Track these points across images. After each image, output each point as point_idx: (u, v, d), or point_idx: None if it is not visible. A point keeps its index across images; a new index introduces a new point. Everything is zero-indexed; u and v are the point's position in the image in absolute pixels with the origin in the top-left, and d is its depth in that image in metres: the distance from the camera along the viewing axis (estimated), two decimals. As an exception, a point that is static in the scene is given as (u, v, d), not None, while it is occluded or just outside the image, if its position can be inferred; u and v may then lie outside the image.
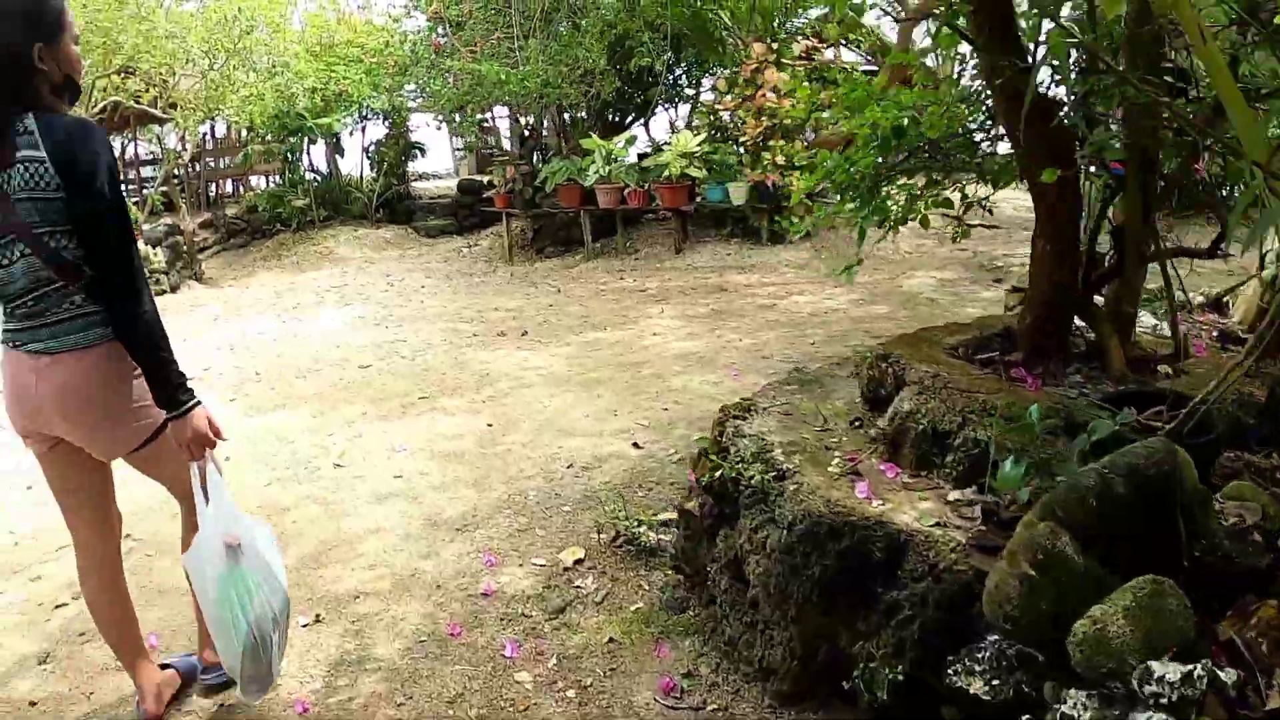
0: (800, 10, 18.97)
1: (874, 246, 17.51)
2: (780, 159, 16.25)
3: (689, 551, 4.99)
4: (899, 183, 5.29)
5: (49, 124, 3.39)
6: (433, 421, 8.28)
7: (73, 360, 3.56)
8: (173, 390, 3.57)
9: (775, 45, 17.84)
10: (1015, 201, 22.78)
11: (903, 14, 17.24)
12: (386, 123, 22.56)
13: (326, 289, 17.18)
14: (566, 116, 18.12)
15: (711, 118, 17.56)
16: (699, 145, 16.26)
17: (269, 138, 22.08)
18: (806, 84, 14.99)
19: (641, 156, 17.96)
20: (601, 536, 5.79)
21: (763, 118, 16.43)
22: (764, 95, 16.67)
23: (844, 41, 18.46)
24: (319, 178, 23.48)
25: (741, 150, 16.66)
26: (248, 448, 7.91)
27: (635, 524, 5.67)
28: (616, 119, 20.25)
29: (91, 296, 3.54)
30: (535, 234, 18.56)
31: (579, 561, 5.55)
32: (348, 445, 7.81)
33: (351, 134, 22.91)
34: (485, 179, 21.87)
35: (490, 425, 8.01)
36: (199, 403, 3.64)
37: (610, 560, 5.56)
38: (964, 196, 5.44)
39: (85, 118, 3.66)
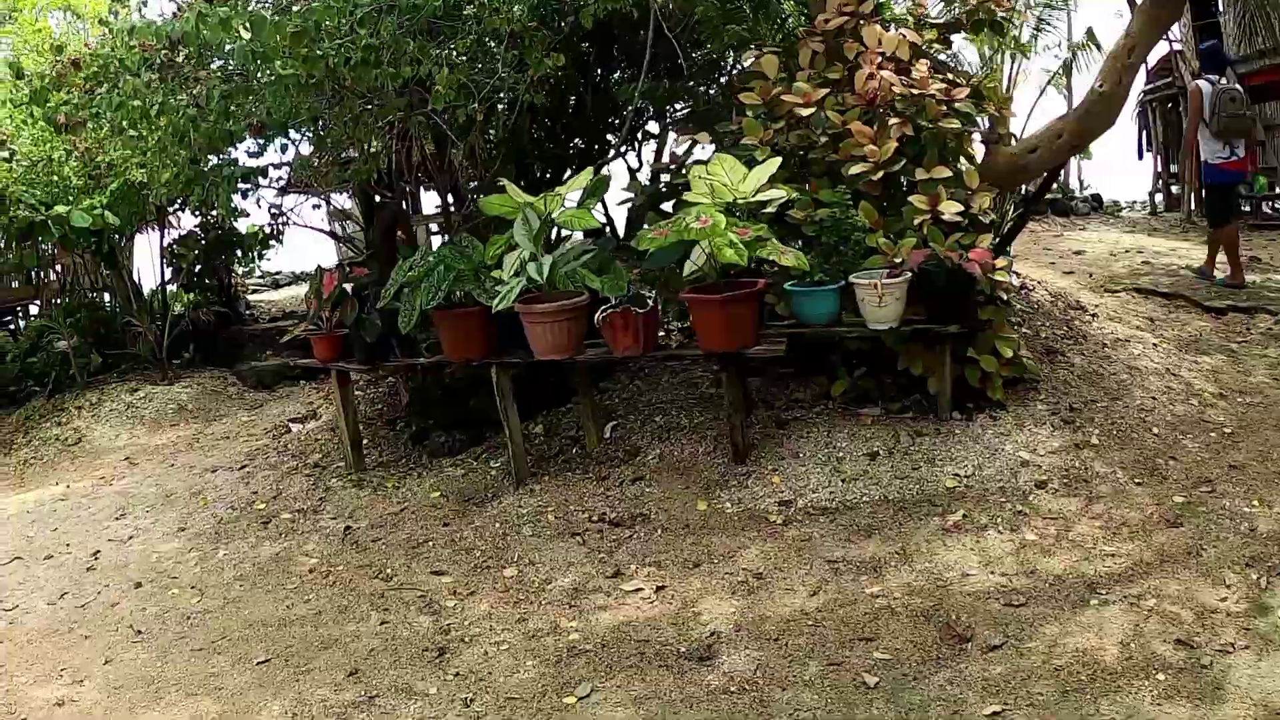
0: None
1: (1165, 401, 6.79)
2: (951, 211, 5.50)
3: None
4: None
5: None
6: None
7: None
8: None
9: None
10: None
11: None
12: (182, 206, 11.71)
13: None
14: (455, 151, 7.08)
15: (776, 127, 6.77)
16: (768, 186, 5.55)
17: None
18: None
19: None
20: None
21: (890, 121, 5.70)
22: (877, 74, 6.00)
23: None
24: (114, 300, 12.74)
25: (850, 195, 5.99)
26: None
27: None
28: (548, 171, 9.36)
29: None
30: (411, 404, 7.62)
31: None
32: None
33: (133, 231, 11.94)
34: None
35: None
36: None
37: None
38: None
39: None
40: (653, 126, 10.87)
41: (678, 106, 11.26)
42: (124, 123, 6.60)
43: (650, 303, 5.67)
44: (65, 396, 11.04)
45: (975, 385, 6.42)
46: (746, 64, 8.14)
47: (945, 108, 6.67)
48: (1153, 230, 16.05)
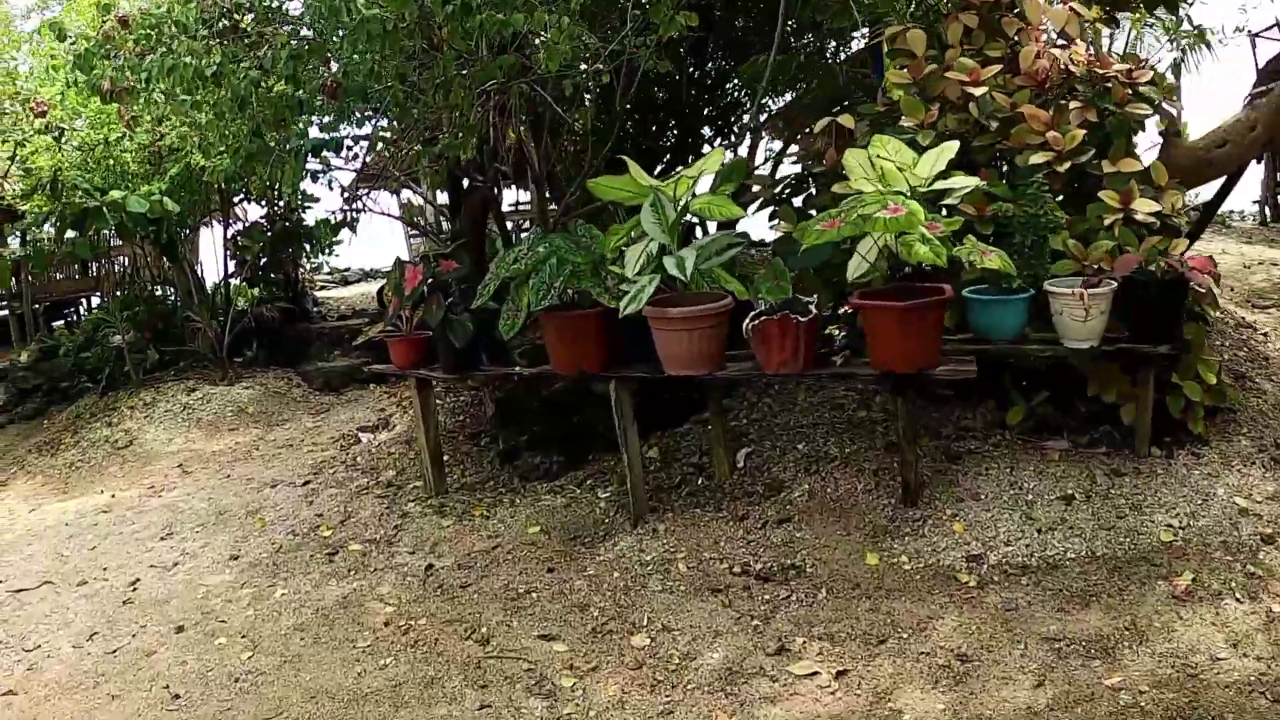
0: None
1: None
2: (1145, 210, 4.20)
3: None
4: None
5: None
6: None
7: None
8: None
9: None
10: None
11: None
12: (247, 195, 10.69)
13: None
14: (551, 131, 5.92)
15: (937, 108, 5.53)
16: (944, 172, 4.35)
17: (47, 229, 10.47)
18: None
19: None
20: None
21: (1070, 105, 4.43)
22: (1046, 52, 4.66)
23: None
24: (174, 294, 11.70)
25: (1036, 188, 4.68)
26: None
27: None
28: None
29: None
30: (498, 416, 6.47)
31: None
32: None
33: (196, 222, 10.97)
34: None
35: None
36: None
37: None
38: None
39: None
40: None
41: (770, 101, 10.22)
42: (177, 89, 5.51)
43: (812, 309, 4.47)
44: (118, 394, 10.04)
45: (1176, 416, 5.21)
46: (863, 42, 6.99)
47: (1130, 91, 5.50)
48: (1271, 241, 14.72)
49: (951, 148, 4.82)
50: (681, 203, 4.85)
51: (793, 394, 6.07)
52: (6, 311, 14.11)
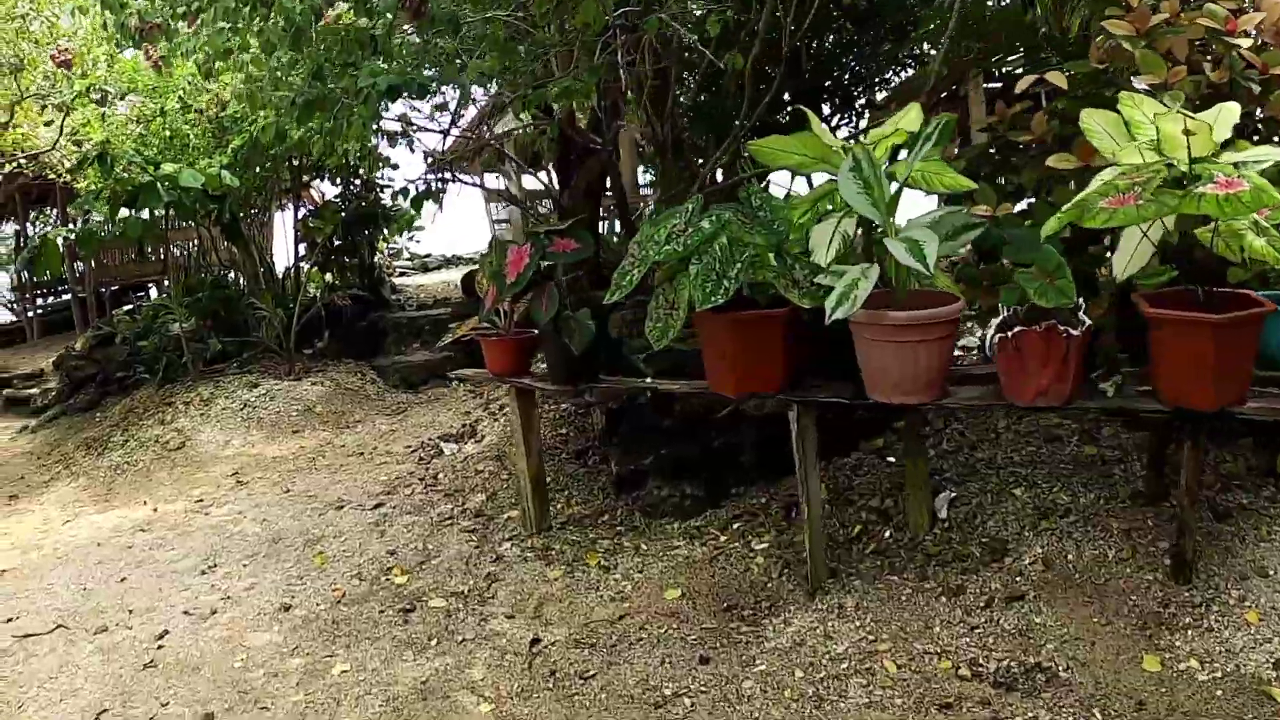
0: None
1: None
2: None
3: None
4: None
5: None
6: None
7: None
8: None
9: None
10: None
11: None
12: (319, 173, 9.52)
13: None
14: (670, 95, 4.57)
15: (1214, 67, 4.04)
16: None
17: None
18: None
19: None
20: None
21: None
22: None
23: None
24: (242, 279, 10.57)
25: None
26: None
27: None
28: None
29: None
30: (611, 431, 5.14)
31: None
32: None
33: (266, 202, 9.85)
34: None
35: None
36: None
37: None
38: None
39: None
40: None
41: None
42: (222, 22, 4.26)
43: (1085, 320, 3.08)
44: (175, 387, 8.92)
45: None
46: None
47: None
48: None
49: (1233, 110, 3.39)
50: (881, 169, 3.49)
51: (990, 419, 4.67)
52: (70, 296, 13.24)
